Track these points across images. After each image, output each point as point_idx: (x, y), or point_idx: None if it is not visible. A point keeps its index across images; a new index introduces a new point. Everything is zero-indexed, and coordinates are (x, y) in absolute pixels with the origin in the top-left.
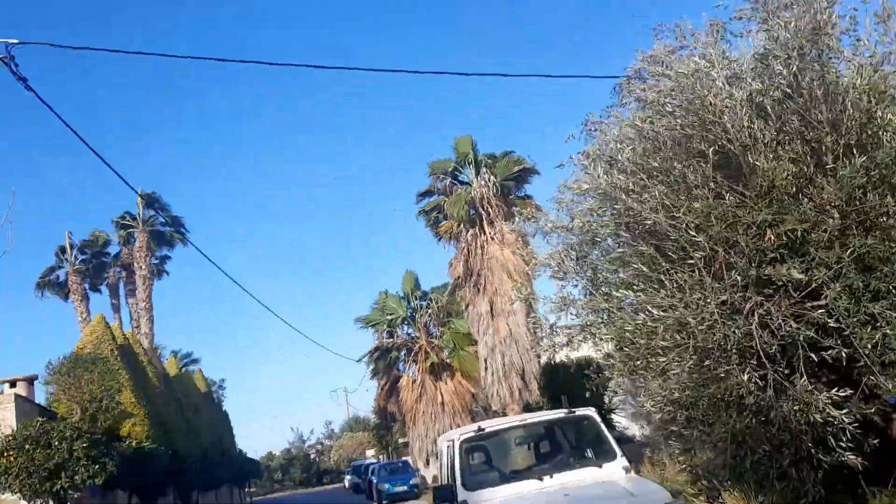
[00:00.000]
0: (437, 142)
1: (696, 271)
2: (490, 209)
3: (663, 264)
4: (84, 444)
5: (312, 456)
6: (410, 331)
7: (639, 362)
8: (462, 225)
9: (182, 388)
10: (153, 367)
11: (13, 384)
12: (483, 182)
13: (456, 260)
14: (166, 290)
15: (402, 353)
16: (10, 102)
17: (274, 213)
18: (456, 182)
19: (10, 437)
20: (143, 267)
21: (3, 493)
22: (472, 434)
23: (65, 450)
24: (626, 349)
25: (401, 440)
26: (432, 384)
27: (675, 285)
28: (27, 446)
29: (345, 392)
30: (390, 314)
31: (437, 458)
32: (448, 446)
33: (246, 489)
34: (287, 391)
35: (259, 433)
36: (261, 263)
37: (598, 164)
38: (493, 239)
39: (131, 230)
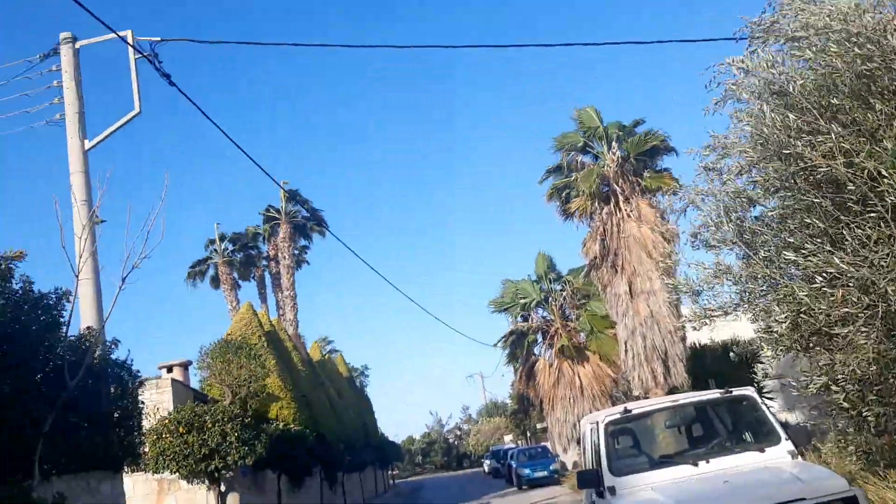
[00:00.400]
0: (558, 116)
1: (882, 224)
2: (624, 185)
3: (843, 218)
4: (236, 427)
5: (451, 440)
6: (545, 314)
7: (813, 337)
8: (595, 202)
9: (326, 373)
10: (298, 352)
11: (170, 369)
12: (615, 156)
13: (590, 239)
14: (306, 280)
15: (538, 336)
16: (152, 99)
17: (400, 202)
18: (584, 158)
19: (167, 421)
20: (287, 257)
21: (162, 472)
22: (617, 416)
23: (217, 433)
24: (802, 319)
25: (538, 425)
26: (570, 368)
27: (857, 242)
28: (181, 429)
29: (481, 377)
30: (523, 297)
31: (578, 442)
32: (591, 429)
33: (389, 472)
34: (425, 377)
35: (399, 418)
36: (392, 252)
37: (763, 98)
38: (629, 216)
39: (275, 223)
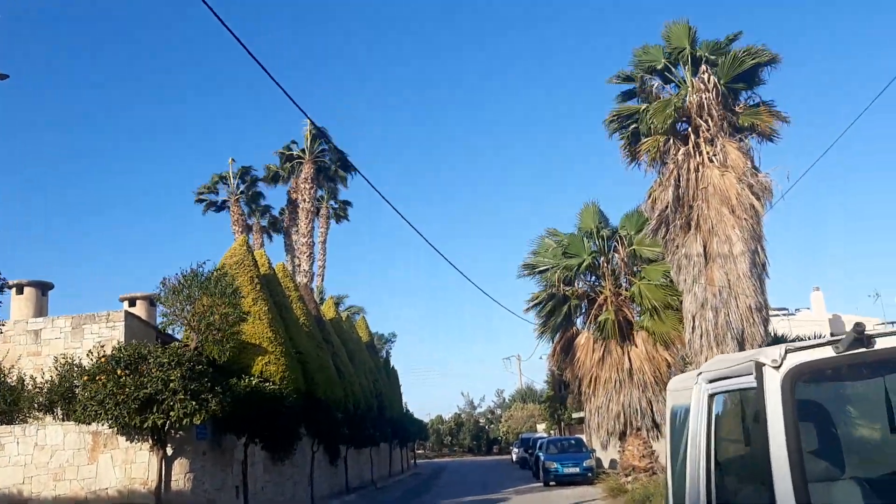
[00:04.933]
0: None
1: None
2: (710, 121)
3: None
4: (182, 374)
5: (482, 423)
6: (593, 278)
7: None
8: (671, 141)
9: (340, 333)
10: (304, 305)
11: (132, 302)
12: (702, 84)
13: (659, 188)
14: (337, 237)
15: (583, 304)
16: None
17: (443, 155)
18: (663, 87)
19: (103, 360)
20: (307, 200)
21: (92, 423)
22: (827, 354)
23: (158, 379)
24: None
25: (575, 415)
26: (618, 346)
27: None
28: (119, 372)
29: (518, 360)
30: (571, 255)
31: (667, 422)
32: (729, 391)
33: (413, 450)
34: (461, 354)
35: (430, 395)
36: (431, 212)
37: None
38: (710, 161)
39: (297, 161)
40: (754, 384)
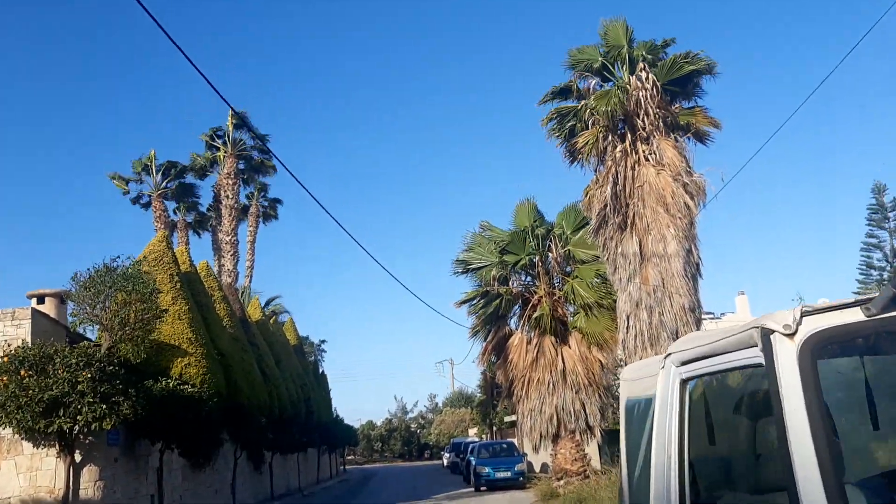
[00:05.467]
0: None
1: None
2: (647, 119)
3: None
4: (92, 376)
5: (414, 428)
6: (527, 277)
7: None
8: (609, 137)
9: (266, 336)
10: (227, 305)
11: (41, 300)
12: (640, 82)
13: (597, 185)
14: (266, 237)
15: (517, 304)
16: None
17: (375, 155)
18: (603, 84)
19: (5, 359)
20: (231, 196)
21: None
22: (849, 321)
23: (65, 380)
24: None
25: (507, 419)
26: (552, 347)
27: None
28: (23, 372)
29: (451, 364)
30: (509, 250)
31: (622, 417)
32: (710, 373)
33: (343, 457)
34: (393, 360)
35: (362, 401)
36: (363, 216)
37: None
38: (647, 159)
39: (220, 153)
40: (756, 360)
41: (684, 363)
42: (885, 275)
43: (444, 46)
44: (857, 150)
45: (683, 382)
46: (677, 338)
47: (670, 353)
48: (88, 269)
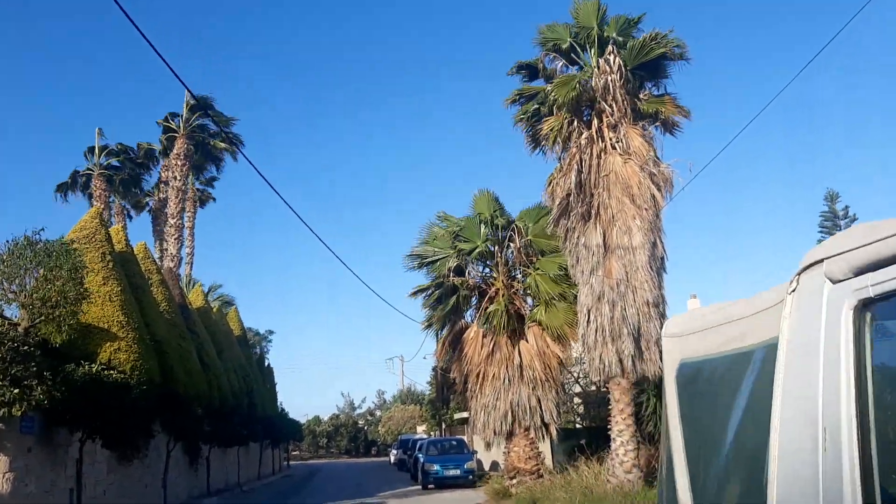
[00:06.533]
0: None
1: None
2: (615, 105)
3: None
4: (2, 357)
5: (361, 424)
6: (485, 269)
7: None
8: (574, 124)
9: (209, 324)
10: (165, 290)
11: None
12: (608, 67)
13: (561, 174)
14: (213, 223)
15: (474, 296)
16: None
17: (334, 147)
18: (570, 66)
19: None
20: (179, 178)
21: None
22: None
23: None
24: None
25: (457, 416)
26: (509, 341)
27: None
28: None
29: (401, 360)
30: (464, 240)
31: (669, 386)
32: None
33: (287, 452)
34: (343, 355)
35: (309, 396)
36: (322, 210)
37: None
38: (613, 147)
39: (172, 135)
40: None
41: (859, 271)
42: None
43: (411, 35)
44: (812, 158)
45: (863, 306)
46: (639, 335)
47: (817, 262)
48: (7, 242)
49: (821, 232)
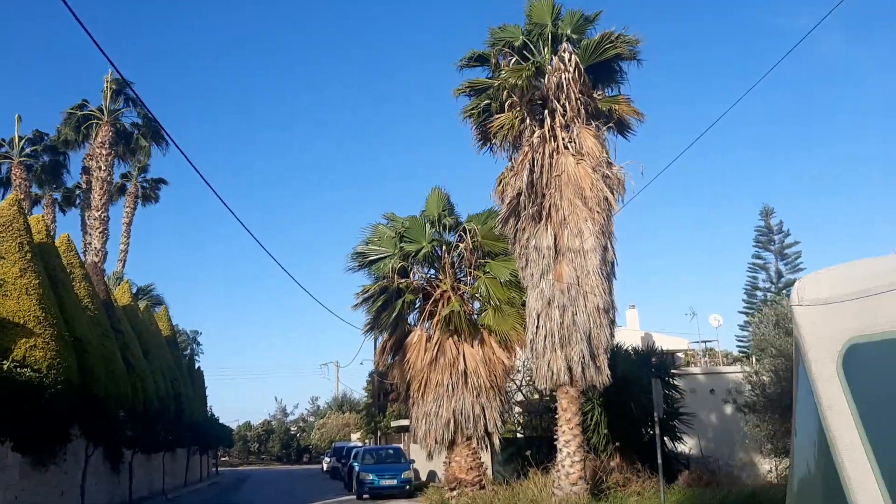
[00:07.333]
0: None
1: None
2: (568, 104)
3: None
4: None
5: (294, 431)
6: (431, 271)
7: None
8: (527, 121)
9: (135, 323)
10: (89, 286)
11: None
12: (562, 64)
13: (512, 173)
14: (156, 228)
15: (418, 299)
16: None
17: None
18: (524, 63)
19: None
20: (103, 167)
21: None
22: None
23: None
24: None
25: (394, 423)
26: (454, 346)
27: None
28: None
29: (336, 366)
30: (408, 240)
31: (836, 377)
32: None
33: (216, 458)
34: (279, 359)
35: (241, 401)
36: (263, 211)
37: None
38: (566, 147)
39: (93, 122)
40: None
41: None
42: (770, 296)
43: (359, 29)
44: (750, 174)
45: None
46: (590, 341)
47: None
48: None
49: (755, 246)
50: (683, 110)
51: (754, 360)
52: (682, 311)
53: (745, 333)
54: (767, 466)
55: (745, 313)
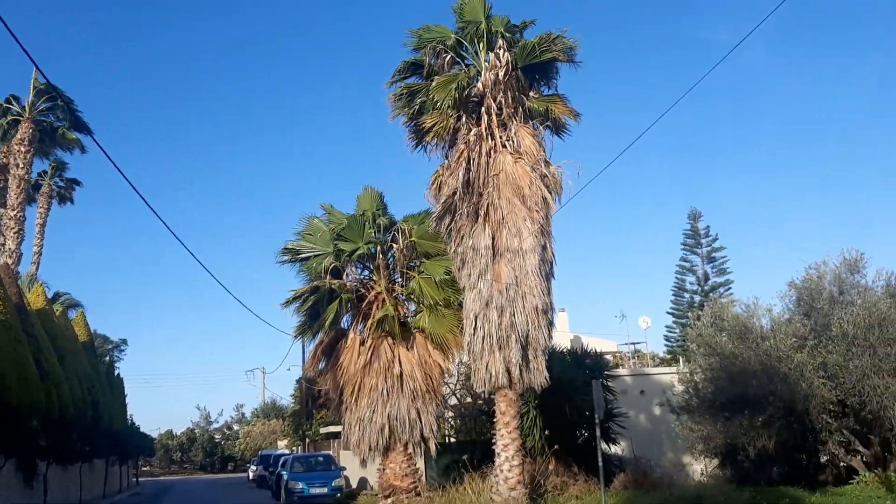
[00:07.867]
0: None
1: None
2: (504, 102)
3: None
4: None
5: (218, 439)
6: (365, 271)
7: None
8: (462, 119)
9: (50, 328)
10: (1, 288)
11: None
12: (497, 61)
13: (447, 171)
14: (75, 229)
15: (352, 301)
16: None
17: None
18: (459, 61)
19: None
20: (22, 165)
21: None
22: None
23: None
24: None
25: (323, 430)
26: (389, 349)
27: None
28: None
29: (262, 372)
30: (345, 240)
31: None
32: None
33: (137, 468)
34: (199, 365)
35: (164, 409)
36: (189, 211)
37: None
38: (504, 146)
39: (15, 119)
40: None
41: None
42: (697, 298)
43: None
44: (678, 179)
45: None
46: (528, 343)
47: None
48: None
49: (683, 249)
50: (618, 116)
51: (682, 361)
52: (611, 313)
53: (674, 334)
54: (698, 467)
55: (673, 314)
